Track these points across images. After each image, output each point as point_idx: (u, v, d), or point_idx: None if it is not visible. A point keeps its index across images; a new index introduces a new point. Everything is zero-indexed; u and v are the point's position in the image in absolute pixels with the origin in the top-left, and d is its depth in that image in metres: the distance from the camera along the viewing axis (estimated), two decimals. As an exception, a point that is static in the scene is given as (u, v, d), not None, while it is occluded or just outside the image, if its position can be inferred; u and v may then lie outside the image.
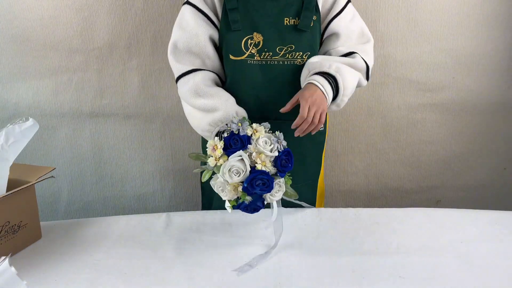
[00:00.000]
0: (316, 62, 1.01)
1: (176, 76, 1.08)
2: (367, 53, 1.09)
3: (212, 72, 1.07)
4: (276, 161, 0.89)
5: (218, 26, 1.04)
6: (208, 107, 1.02)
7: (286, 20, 1.03)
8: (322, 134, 1.15)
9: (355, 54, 1.07)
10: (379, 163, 1.62)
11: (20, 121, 0.96)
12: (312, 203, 1.15)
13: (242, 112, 1.02)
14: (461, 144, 1.60)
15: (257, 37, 1.03)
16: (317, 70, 1.00)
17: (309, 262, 0.89)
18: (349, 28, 1.08)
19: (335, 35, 1.08)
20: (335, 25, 1.07)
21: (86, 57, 1.49)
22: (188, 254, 0.93)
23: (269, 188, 0.86)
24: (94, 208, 1.63)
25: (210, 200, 1.22)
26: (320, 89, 0.97)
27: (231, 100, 1.03)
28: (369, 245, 0.95)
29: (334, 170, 1.62)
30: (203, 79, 1.04)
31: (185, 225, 1.05)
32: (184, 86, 1.05)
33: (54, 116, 1.54)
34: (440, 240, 0.96)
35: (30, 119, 0.97)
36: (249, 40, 1.03)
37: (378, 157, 1.61)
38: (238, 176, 0.86)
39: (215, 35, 1.05)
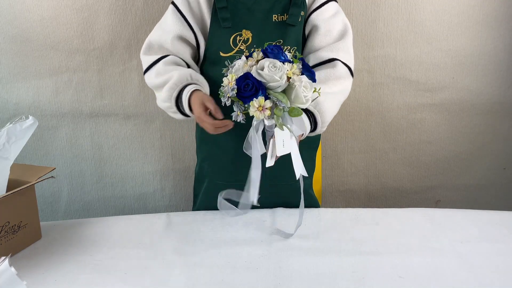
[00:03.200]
0: None
1: (144, 68, 1.09)
2: (347, 51, 1.07)
3: (181, 59, 1.08)
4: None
5: (195, 29, 1.07)
6: (165, 78, 1.02)
7: (275, 16, 1.05)
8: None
9: (336, 61, 1.04)
10: (379, 163, 1.62)
11: (21, 120, 0.96)
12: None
13: (198, 77, 1.02)
14: (461, 144, 1.60)
15: (246, 34, 1.04)
16: None
17: (309, 262, 0.89)
18: (329, 22, 1.07)
19: (314, 28, 1.07)
20: (313, 18, 1.07)
21: (86, 57, 1.49)
22: (188, 254, 0.93)
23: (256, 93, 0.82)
24: (94, 208, 1.63)
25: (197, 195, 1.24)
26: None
27: (187, 69, 1.04)
28: (369, 245, 0.95)
29: (334, 170, 1.62)
30: (166, 61, 1.05)
31: (185, 225, 1.05)
32: (149, 74, 1.06)
33: (54, 116, 1.54)
34: (440, 240, 0.96)
35: (30, 117, 0.97)
36: (238, 36, 1.04)
37: (378, 157, 1.61)
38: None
39: (190, 37, 1.08)
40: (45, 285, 0.83)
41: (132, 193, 1.62)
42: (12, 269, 0.69)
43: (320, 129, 1.01)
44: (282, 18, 1.05)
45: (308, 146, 1.14)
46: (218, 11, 1.04)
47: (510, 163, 1.63)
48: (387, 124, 1.58)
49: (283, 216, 1.07)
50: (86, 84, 1.51)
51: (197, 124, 1.21)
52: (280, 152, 0.87)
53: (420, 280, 0.82)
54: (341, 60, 1.04)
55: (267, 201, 1.06)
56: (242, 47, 1.05)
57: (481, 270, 0.85)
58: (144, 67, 1.09)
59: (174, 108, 1.02)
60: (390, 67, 1.52)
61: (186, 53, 1.09)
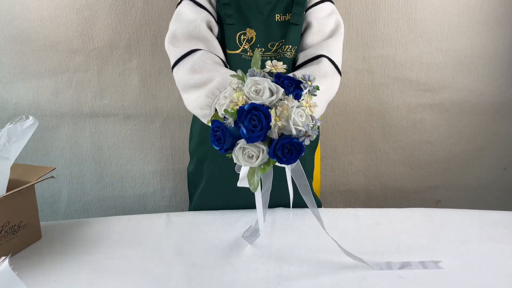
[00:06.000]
0: None
1: (173, 62, 0.97)
2: (335, 49, 1.04)
3: (215, 55, 0.99)
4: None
5: (215, 17, 1.03)
6: (204, 79, 0.90)
7: (277, 16, 1.04)
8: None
9: (322, 58, 1.00)
10: (379, 163, 1.62)
11: (21, 120, 0.96)
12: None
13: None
14: (461, 144, 1.60)
15: (250, 33, 1.04)
16: None
17: (309, 262, 0.89)
18: (322, 21, 1.05)
19: (308, 25, 1.06)
20: (308, 15, 1.06)
21: (86, 57, 1.49)
22: (188, 254, 0.93)
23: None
24: (94, 208, 1.63)
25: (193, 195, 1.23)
26: None
27: (230, 72, 0.91)
28: (369, 245, 0.94)
29: (334, 170, 1.62)
30: (202, 55, 0.95)
31: (185, 225, 1.05)
32: (181, 69, 0.95)
33: (54, 116, 1.54)
34: (440, 240, 0.96)
35: (30, 117, 0.97)
36: (242, 35, 1.04)
37: (378, 157, 1.61)
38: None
39: (213, 23, 1.02)
40: (45, 285, 0.83)
41: (132, 193, 1.62)
42: (12, 269, 0.69)
43: None
44: (285, 18, 1.05)
45: (307, 146, 1.14)
46: (222, 7, 1.03)
47: (510, 163, 1.63)
48: (387, 124, 1.58)
49: (283, 216, 1.07)
50: (86, 84, 1.51)
51: (193, 123, 1.20)
52: (241, 184, 0.80)
53: (420, 280, 0.82)
54: (328, 56, 1.01)
55: (269, 202, 1.06)
56: (246, 46, 1.04)
57: (481, 270, 0.85)
58: (174, 60, 0.97)
59: (209, 112, 0.89)
60: (390, 67, 1.52)
61: (217, 42, 1.00)
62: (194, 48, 0.96)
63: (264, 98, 0.68)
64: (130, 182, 1.61)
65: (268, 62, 0.74)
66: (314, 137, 0.70)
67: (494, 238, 0.96)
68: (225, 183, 1.06)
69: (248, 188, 0.76)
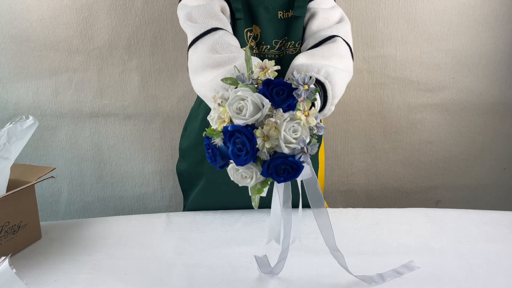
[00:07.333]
0: (302, 64, 0.86)
1: (191, 38, 0.89)
2: (347, 33, 1.01)
3: (235, 37, 0.92)
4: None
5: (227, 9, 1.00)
6: (225, 59, 0.81)
7: (280, 13, 1.04)
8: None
9: (337, 37, 0.95)
10: (379, 163, 1.62)
11: (21, 120, 0.96)
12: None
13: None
14: (461, 144, 1.60)
15: (256, 30, 1.03)
16: None
17: (309, 262, 0.89)
18: (327, 11, 1.04)
19: (312, 15, 1.04)
20: (312, 6, 1.03)
21: (86, 57, 1.49)
22: (188, 254, 0.93)
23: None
24: (94, 208, 1.63)
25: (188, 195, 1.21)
26: None
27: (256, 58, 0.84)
28: (369, 245, 0.94)
29: (334, 170, 1.62)
30: (224, 35, 0.87)
31: (185, 225, 1.05)
32: (199, 47, 0.86)
33: (54, 116, 1.54)
34: (440, 240, 0.96)
35: (30, 117, 0.97)
36: (249, 32, 1.03)
37: (378, 157, 1.61)
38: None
39: (227, 11, 0.98)
40: (45, 285, 0.83)
41: (132, 193, 1.62)
42: (12, 269, 0.69)
43: (328, 107, 0.85)
44: (288, 14, 1.04)
45: None
46: (231, 1, 1.01)
47: (510, 163, 1.63)
48: (387, 124, 1.58)
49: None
50: (86, 84, 1.51)
51: (189, 120, 1.18)
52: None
53: (420, 280, 0.82)
54: (342, 37, 0.97)
55: (267, 201, 1.06)
56: (252, 44, 1.04)
57: (481, 270, 0.85)
58: (193, 37, 0.88)
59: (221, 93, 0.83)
60: (390, 67, 1.52)
61: (231, 29, 0.95)
62: (215, 27, 0.89)
63: (248, 117, 0.60)
64: (130, 182, 1.61)
65: (259, 63, 0.66)
66: (315, 151, 0.62)
67: (494, 238, 0.96)
68: (225, 181, 1.06)
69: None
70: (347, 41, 0.99)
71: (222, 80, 0.69)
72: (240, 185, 0.66)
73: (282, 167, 0.60)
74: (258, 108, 0.60)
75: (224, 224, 1.05)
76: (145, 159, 1.59)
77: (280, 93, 0.61)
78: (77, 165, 1.58)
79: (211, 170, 1.15)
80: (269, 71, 0.64)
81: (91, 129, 1.55)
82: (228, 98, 0.62)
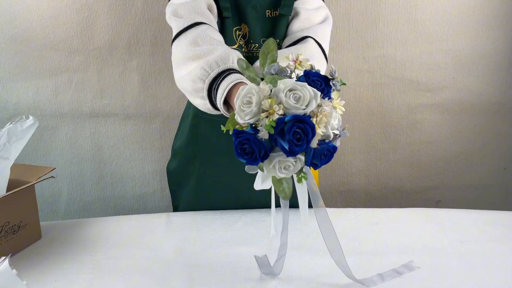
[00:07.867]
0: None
1: (175, 32, 0.90)
2: (323, 34, 1.02)
3: (219, 33, 0.93)
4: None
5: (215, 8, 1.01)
6: (204, 51, 0.82)
7: (268, 12, 1.04)
8: None
9: (308, 38, 0.97)
10: (379, 163, 1.62)
11: (21, 120, 0.96)
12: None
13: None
14: (461, 144, 1.60)
15: (245, 29, 1.03)
16: None
17: (309, 262, 0.89)
18: (310, 12, 1.04)
19: (295, 15, 1.04)
20: (296, 5, 1.04)
21: (86, 57, 1.49)
22: (188, 254, 0.93)
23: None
24: (94, 208, 1.63)
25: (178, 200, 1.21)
26: None
27: (234, 51, 0.84)
28: (369, 245, 0.94)
29: (334, 170, 1.62)
30: (207, 29, 0.88)
31: (185, 225, 1.05)
32: (182, 41, 0.88)
33: (54, 116, 1.54)
34: (440, 240, 0.96)
35: (30, 117, 0.97)
36: (238, 31, 1.03)
37: (378, 157, 1.61)
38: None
39: (214, 10, 0.99)
40: (45, 285, 0.83)
41: (132, 193, 1.62)
42: (12, 269, 0.69)
43: None
44: (275, 13, 1.04)
45: None
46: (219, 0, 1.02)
47: (510, 163, 1.63)
48: (387, 124, 1.58)
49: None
50: (86, 84, 1.51)
51: (182, 119, 1.18)
52: (257, 187, 0.76)
53: (420, 280, 0.82)
54: (315, 39, 0.98)
55: (266, 201, 1.06)
56: (241, 42, 1.04)
57: (481, 270, 0.85)
58: (177, 31, 0.89)
59: (204, 93, 0.80)
60: (390, 67, 1.52)
61: (217, 26, 0.95)
62: (198, 21, 0.90)
63: (308, 107, 0.60)
64: (130, 182, 1.61)
65: (289, 56, 0.67)
66: (344, 136, 0.68)
67: (494, 238, 0.96)
68: (218, 179, 1.05)
69: (244, 187, 0.73)
70: (320, 42, 0.99)
71: (246, 76, 0.69)
72: (278, 177, 0.65)
73: (324, 153, 0.63)
74: (309, 98, 0.61)
75: (224, 224, 1.05)
76: (145, 159, 1.59)
77: (318, 83, 0.63)
78: (77, 165, 1.58)
79: (203, 169, 1.14)
80: (302, 62, 0.66)
81: (91, 129, 1.55)
82: (272, 90, 0.62)
